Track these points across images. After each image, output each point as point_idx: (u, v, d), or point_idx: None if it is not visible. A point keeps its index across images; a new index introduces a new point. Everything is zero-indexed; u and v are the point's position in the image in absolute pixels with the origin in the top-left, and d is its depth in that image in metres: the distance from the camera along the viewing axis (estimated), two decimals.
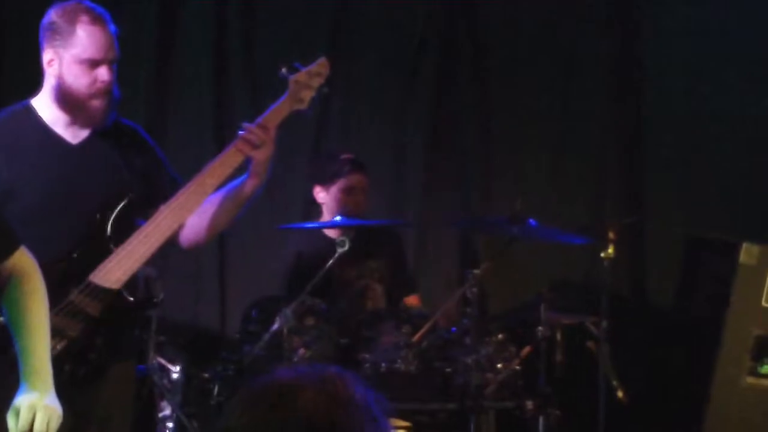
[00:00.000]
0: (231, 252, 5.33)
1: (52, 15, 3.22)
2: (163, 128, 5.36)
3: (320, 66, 3.52)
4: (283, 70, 3.46)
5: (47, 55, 3.20)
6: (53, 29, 3.20)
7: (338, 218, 4.70)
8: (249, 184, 3.36)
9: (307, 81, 3.47)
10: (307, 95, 3.47)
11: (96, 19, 3.20)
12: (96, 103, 3.22)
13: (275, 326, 4.23)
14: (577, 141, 5.52)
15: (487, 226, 5.14)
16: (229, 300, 5.23)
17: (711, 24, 5.38)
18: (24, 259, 2.69)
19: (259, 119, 3.38)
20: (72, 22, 3.18)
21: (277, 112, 3.41)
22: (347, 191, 4.89)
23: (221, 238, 5.21)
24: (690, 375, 4.79)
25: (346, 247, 4.30)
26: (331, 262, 4.21)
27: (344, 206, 4.87)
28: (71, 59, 3.17)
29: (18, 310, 2.65)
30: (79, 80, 3.18)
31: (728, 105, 5.33)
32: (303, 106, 3.47)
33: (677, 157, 5.44)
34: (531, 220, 4.45)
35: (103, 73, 3.20)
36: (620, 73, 5.53)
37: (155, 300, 3.48)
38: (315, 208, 5.00)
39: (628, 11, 5.50)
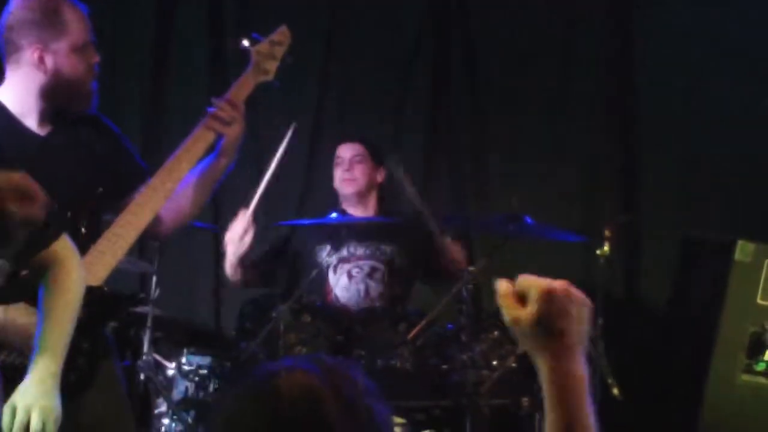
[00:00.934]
0: None
1: (26, 10, 3.06)
2: (159, 127, 5.38)
3: (281, 34, 3.42)
4: (244, 42, 3.36)
5: (34, 53, 3.04)
6: (37, 24, 3.05)
7: (334, 215, 4.70)
8: (220, 164, 3.26)
9: (269, 51, 3.37)
10: (272, 66, 3.37)
11: (73, 2, 3.11)
12: (90, 87, 3.14)
13: (271, 323, 4.24)
14: (574, 140, 5.53)
15: (483, 224, 5.14)
16: (225, 296, 5.23)
17: (710, 24, 5.37)
18: (64, 248, 2.62)
19: (227, 95, 3.27)
20: (57, 11, 3.06)
21: (243, 85, 3.31)
22: (337, 165, 4.88)
23: (217, 234, 5.21)
24: (685, 372, 4.79)
25: (332, 259, 4.38)
26: (320, 263, 4.24)
27: (338, 184, 4.87)
28: (67, 49, 3.06)
29: (46, 301, 2.60)
30: (77, 68, 3.09)
31: (727, 105, 5.33)
32: (269, 77, 3.37)
33: (675, 155, 5.44)
34: (527, 218, 4.45)
35: (92, 54, 3.12)
36: (618, 73, 5.54)
37: (140, 296, 3.39)
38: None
39: (628, 11, 5.50)
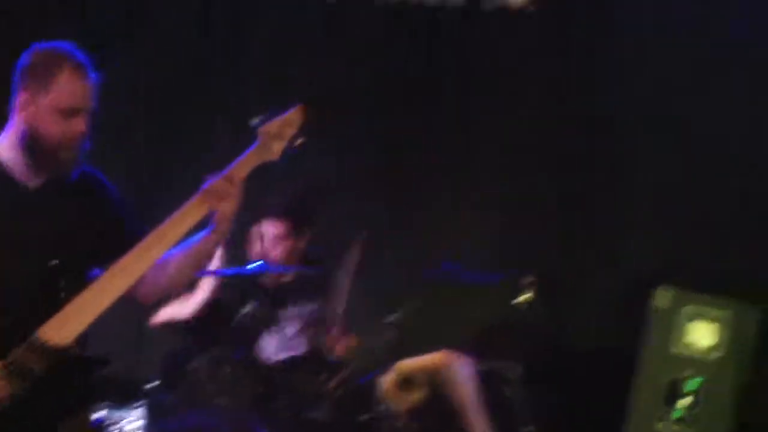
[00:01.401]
0: None
1: (32, 57, 3.07)
2: None
3: (293, 114, 3.27)
4: (256, 120, 3.22)
5: (19, 98, 3.05)
6: (31, 73, 3.05)
7: (256, 264, 4.69)
8: (211, 240, 3.15)
9: (278, 131, 3.23)
10: (278, 146, 3.22)
11: (78, 66, 3.06)
12: (66, 154, 3.06)
13: (191, 376, 4.23)
14: (515, 193, 5.53)
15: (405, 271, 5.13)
16: (147, 347, 5.20)
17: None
18: None
19: (225, 171, 3.14)
20: (53, 67, 3.04)
21: (244, 163, 3.17)
22: (258, 240, 4.84)
23: None
24: (607, 420, 4.82)
25: (256, 305, 4.36)
26: (241, 314, 4.24)
27: (260, 256, 4.86)
28: (48, 106, 3.04)
29: None
30: (52, 128, 3.04)
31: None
32: (273, 157, 3.21)
33: (604, 201, 5.46)
34: (446, 264, 4.47)
35: (78, 123, 3.05)
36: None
37: (107, 358, 3.33)
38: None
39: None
